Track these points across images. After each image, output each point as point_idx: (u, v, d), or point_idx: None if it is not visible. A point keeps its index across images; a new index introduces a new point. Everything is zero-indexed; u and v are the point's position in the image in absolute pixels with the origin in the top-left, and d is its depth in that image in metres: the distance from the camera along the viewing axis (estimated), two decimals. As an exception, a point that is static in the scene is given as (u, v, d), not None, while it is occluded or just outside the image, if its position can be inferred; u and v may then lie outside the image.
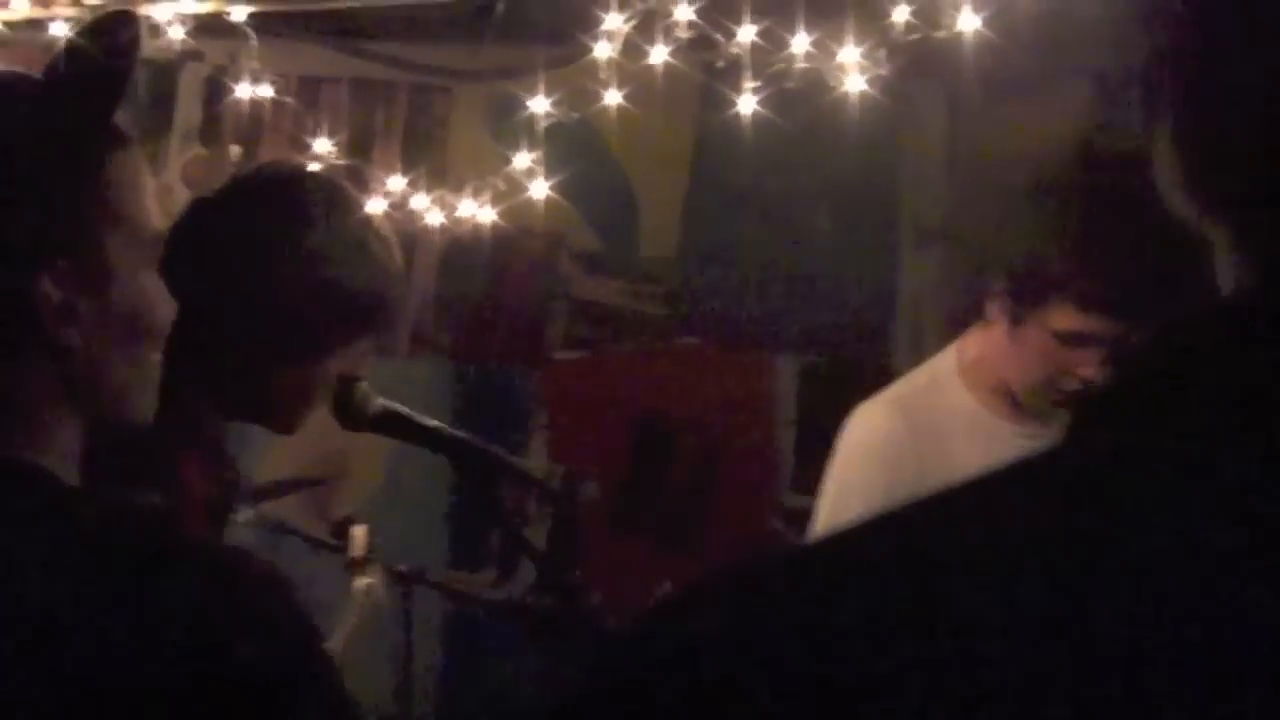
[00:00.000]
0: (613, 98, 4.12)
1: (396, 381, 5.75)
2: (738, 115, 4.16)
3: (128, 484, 2.48)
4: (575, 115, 4.31)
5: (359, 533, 3.68)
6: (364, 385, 3.16)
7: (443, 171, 5.89)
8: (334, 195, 3.09)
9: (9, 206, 1.93)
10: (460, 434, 3.39)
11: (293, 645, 1.93)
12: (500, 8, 3.57)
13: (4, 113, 1.99)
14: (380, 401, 3.21)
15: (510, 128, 5.45)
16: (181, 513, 2.78)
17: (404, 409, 3.29)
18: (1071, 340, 3.82)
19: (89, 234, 1.98)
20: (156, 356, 2.09)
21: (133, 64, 2.10)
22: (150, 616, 1.84)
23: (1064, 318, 3.80)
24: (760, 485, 6.32)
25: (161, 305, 2.08)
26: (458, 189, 5.24)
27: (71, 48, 2.04)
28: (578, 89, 4.27)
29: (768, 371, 6.38)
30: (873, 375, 6.12)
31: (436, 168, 5.88)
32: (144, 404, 2.09)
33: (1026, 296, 3.84)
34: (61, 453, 1.97)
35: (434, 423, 3.36)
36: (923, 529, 1.06)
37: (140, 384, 2.07)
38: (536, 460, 6.07)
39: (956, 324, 4.63)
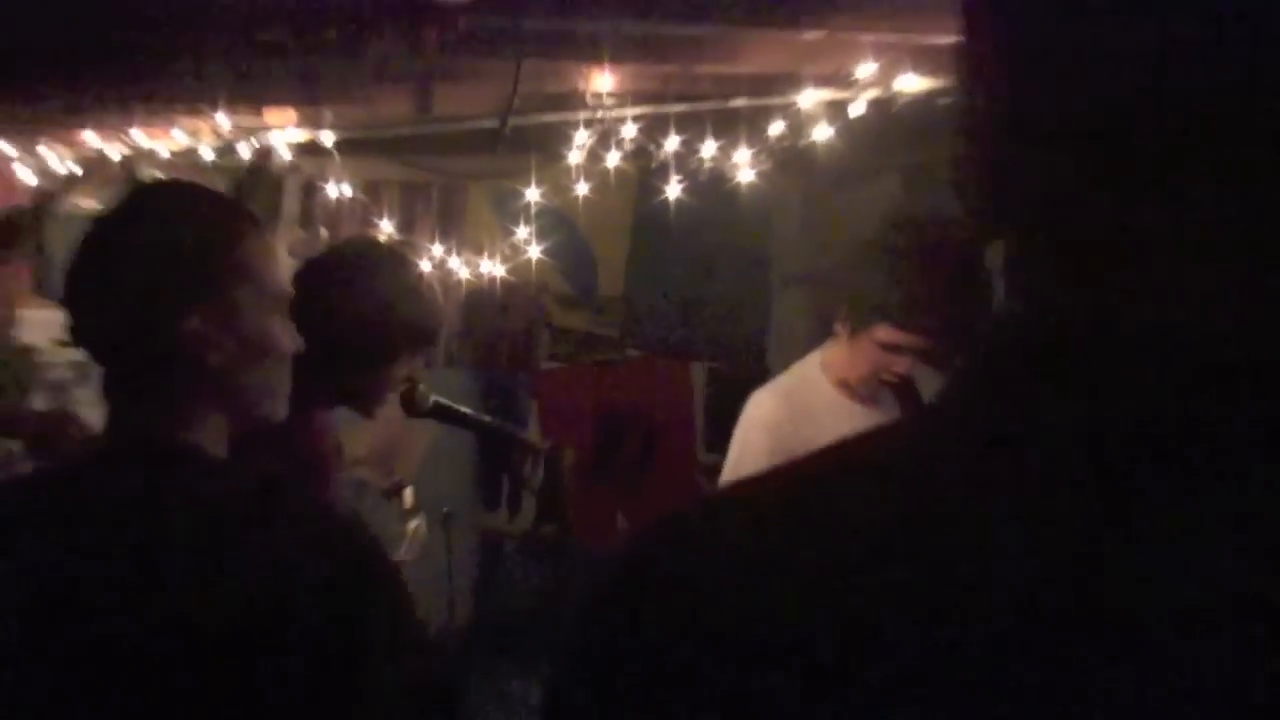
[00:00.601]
0: (581, 189, 4.09)
1: (435, 384, 5.75)
2: (666, 199, 4.13)
3: (266, 456, 2.48)
4: (556, 202, 4.31)
5: (408, 491, 3.69)
6: (423, 386, 3.18)
7: (463, 241, 5.89)
8: (398, 261, 3.13)
9: (169, 269, 1.91)
10: (486, 418, 3.41)
11: (373, 565, 1.88)
12: (506, 131, 3.55)
13: (180, 208, 1.98)
14: (433, 397, 3.23)
15: (509, 211, 5.46)
16: (302, 475, 2.77)
17: (448, 401, 3.31)
18: (890, 349, 3.88)
19: (221, 287, 1.95)
20: (284, 372, 2.06)
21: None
22: (265, 550, 1.81)
23: (885, 334, 3.86)
24: (684, 449, 6.23)
25: (285, 338, 2.05)
26: (476, 252, 5.24)
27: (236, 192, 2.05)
28: (558, 184, 4.27)
29: (687, 374, 6.33)
30: (755, 375, 6.16)
31: (459, 239, 5.88)
32: (276, 404, 2.05)
33: (860, 320, 3.89)
34: (208, 437, 1.94)
35: (468, 410, 3.38)
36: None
37: (271, 390, 2.03)
38: (529, 436, 6.06)
39: (814, 338, 4.63)
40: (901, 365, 4.02)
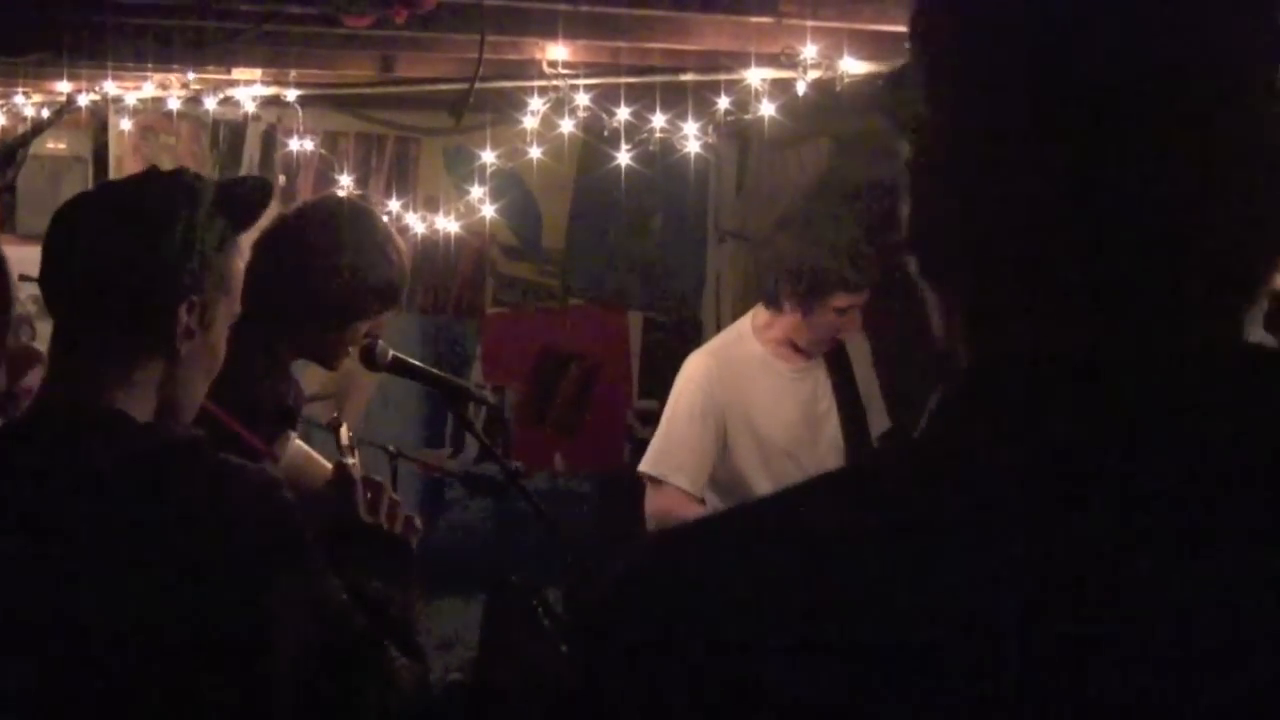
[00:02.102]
0: (534, 153, 4.16)
1: (390, 329, 5.85)
2: (608, 160, 4.21)
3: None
4: (508, 164, 4.42)
5: (344, 430, 3.78)
6: (382, 343, 3.27)
7: (415, 191, 5.99)
8: (368, 221, 3.23)
9: (178, 259, 1.96)
10: (440, 373, 3.54)
11: (285, 531, 1.90)
12: (470, 102, 3.64)
13: (189, 204, 2.00)
14: (391, 352, 3.35)
15: (459, 164, 5.58)
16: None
17: (405, 356, 3.42)
18: (844, 311, 4.09)
19: (210, 289, 2.00)
20: (204, 385, 2.08)
21: (257, 217, 2.15)
22: (179, 511, 1.84)
23: (840, 300, 4.05)
24: (619, 394, 6.37)
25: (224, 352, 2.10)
26: (428, 203, 5.35)
27: (229, 188, 2.09)
28: (508, 143, 4.36)
29: (624, 322, 6.42)
30: (689, 325, 6.32)
31: (412, 189, 5.98)
32: (191, 411, 2.06)
33: (815, 292, 4.05)
34: (140, 410, 1.94)
35: (421, 364, 3.51)
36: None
37: (195, 396, 2.06)
38: (475, 379, 6.13)
39: (747, 292, 4.79)
40: (854, 323, 4.25)
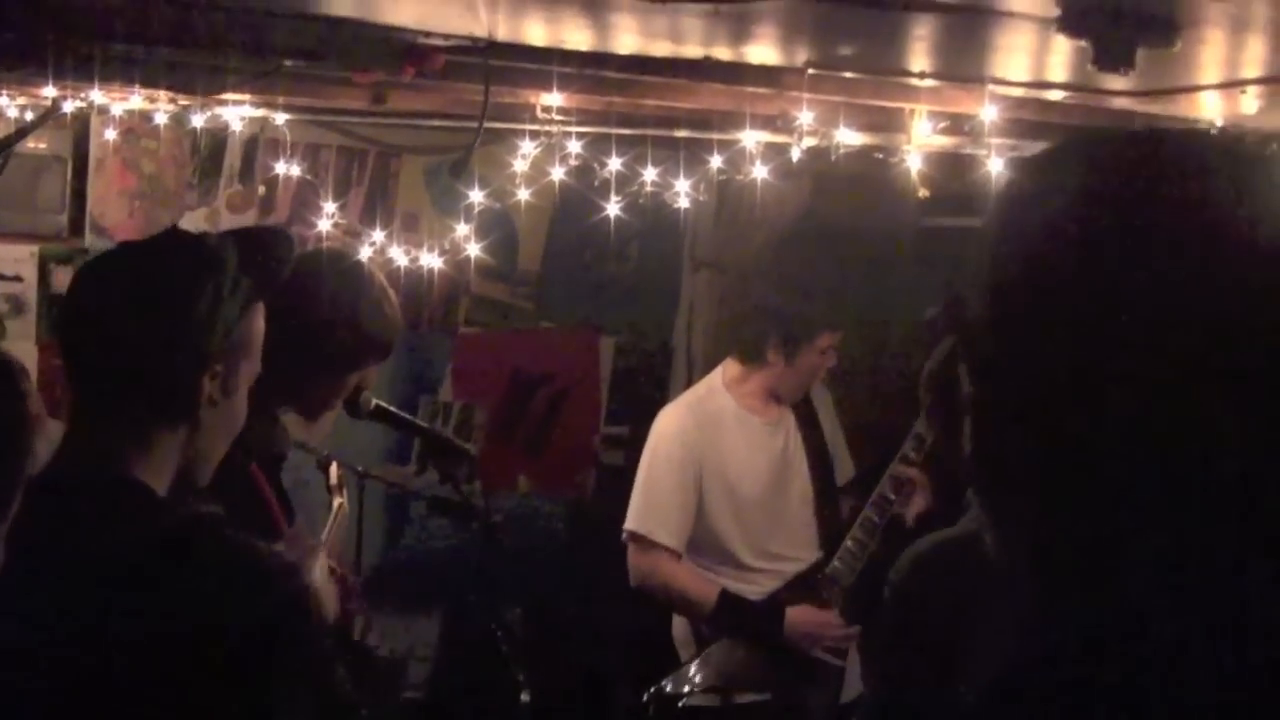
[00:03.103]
0: (522, 194, 4.10)
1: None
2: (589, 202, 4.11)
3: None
4: (491, 196, 4.40)
5: (334, 469, 3.81)
6: (368, 394, 3.30)
7: (393, 206, 5.98)
8: (365, 274, 3.23)
9: (203, 332, 2.00)
10: (421, 422, 3.56)
11: (292, 615, 1.91)
12: (472, 163, 3.62)
13: (214, 273, 2.03)
14: (375, 401, 3.37)
15: (438, 181, 5.55)
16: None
17: (386, 405, 3.44)
18: (825, 351, 4.14)
19: (232, 356, 2.05)
20: (225, 445, 2.12)
21: (283, 275, 2.18)
22: (192, 587, 1.85)
23: (825, 339, 4.11)
24: (587, 418, 6.36)
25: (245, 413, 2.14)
26: (407, 224, 5.32)
27: (252, 246, 2.11)
28: (489, 165, 4.31)
29: (594, 346, 6.41)
30: (660, 352, 6.34)
31: (390, 204, 5.97)
32: (210, 469, 2.10)
33: (802, 337, 4.10)
34: (161, 480, 1.99)
35: (402, 414, 3.54)
36: None
37: (213, 456, 2.10)
38: (445, 395, 6.13)
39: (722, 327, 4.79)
40: (832, 360, 4.30)
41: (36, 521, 1.87)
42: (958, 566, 1.95)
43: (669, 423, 4.28)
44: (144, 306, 2.01)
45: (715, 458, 4.23)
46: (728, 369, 4.37)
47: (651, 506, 4.21)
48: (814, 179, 5.62)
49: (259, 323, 2.15)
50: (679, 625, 4.43)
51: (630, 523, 4.23)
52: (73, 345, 2.05)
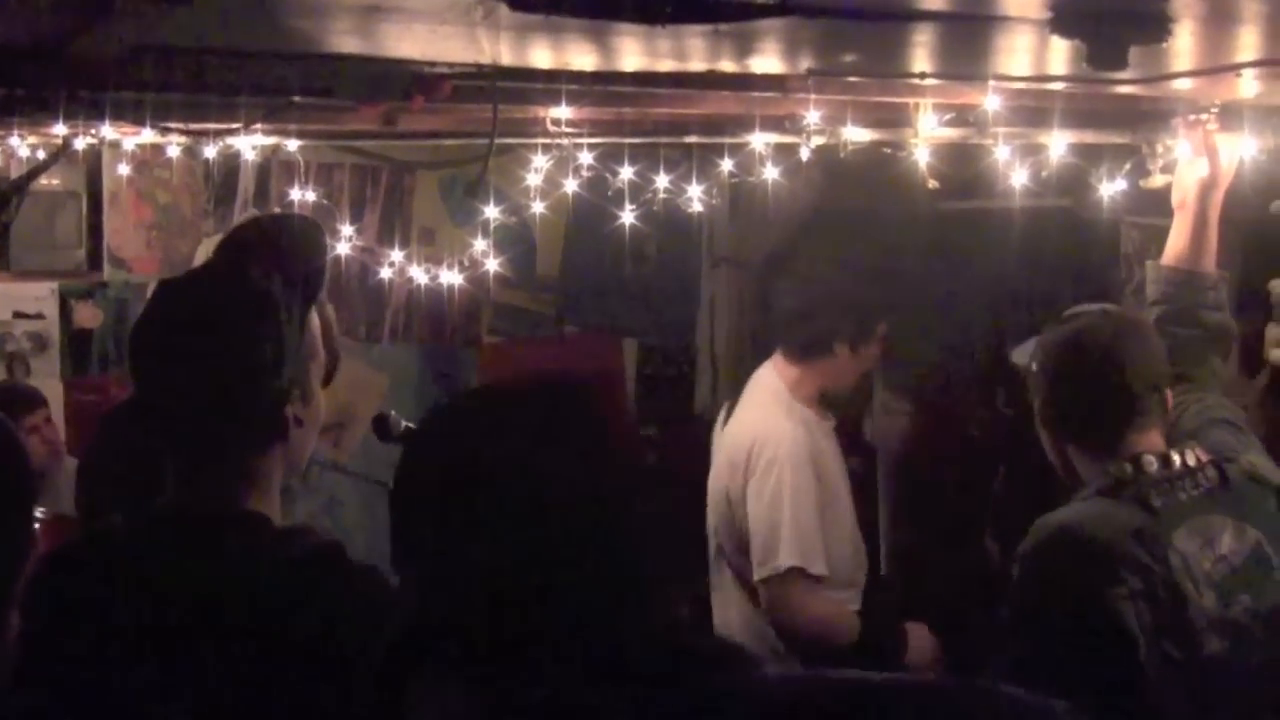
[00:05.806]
0: (537, 207, 4.21)
1: (385, 359, 5.91)
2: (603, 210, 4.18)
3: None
4: (507, 210, 4.45)
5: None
6: (396, 415, 3.32)
7: (409, 221, 6.06)
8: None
9: (278, 367, 2.08)
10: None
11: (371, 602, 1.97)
12: (483, 181, 3.69)
13: (271, 311, 2.09)
14: (404, 423, 3.44)
15: (453, 194, 5.61)
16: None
17: (413, 425, 3.51)
18: (884, 341, 4.21)
19: (303, 370, 2.14)
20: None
21: (324, 271, 2.24)
22: (323, 608, 1.97)
23: (884, 326, 4.17)
24: (614, 420, 6.31)
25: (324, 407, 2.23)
26: (424, 239, 5.38)
27: (292, 262, 2.15)
28: (504, 175, 4.38)
29: (620, 349, 6.50)
30: (679, 350, 6.40)
31: (406, 219, 6.06)
32: (304, 464, 2.23)
33: (868, 324, 4.16)
34: (270, 504, 2.11)
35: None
36: None
37: (304, 453, 2.21)
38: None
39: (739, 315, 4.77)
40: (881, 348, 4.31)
41: (163, 560, 2.02)
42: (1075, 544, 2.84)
43: (790, 441, 4.13)
44: (214, 362, 2.09)
45: (828, 476, 4.18)
46: (783, 372, 4.29)
47: (804, 537, 4.03)
48: (826, 169, 5.65)
49: (314, 322, 2.22)
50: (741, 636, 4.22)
51: (791, 557, 4.02)
52: (155, 403, 2.14)
